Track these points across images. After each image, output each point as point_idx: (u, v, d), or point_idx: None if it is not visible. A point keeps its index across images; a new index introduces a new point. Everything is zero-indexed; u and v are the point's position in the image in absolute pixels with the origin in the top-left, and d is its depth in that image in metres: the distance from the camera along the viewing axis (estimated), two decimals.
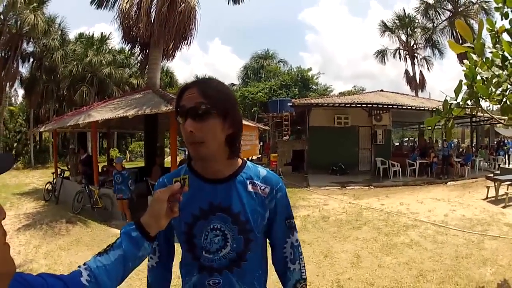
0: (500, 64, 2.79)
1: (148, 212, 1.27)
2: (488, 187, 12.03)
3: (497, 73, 2.78)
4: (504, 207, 10.56)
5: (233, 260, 1.56)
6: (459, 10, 30.05)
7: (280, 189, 1.64)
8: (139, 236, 1.23)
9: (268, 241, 1.72)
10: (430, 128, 21.53)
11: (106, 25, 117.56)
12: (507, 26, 2.80)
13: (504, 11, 2.80)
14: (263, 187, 1.60)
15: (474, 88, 2.84)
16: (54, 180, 13.95)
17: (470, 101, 3.03)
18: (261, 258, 1.69)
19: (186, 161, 1.71)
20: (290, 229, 1.69)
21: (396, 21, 35.85)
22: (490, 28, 2.85)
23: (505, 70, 2.78)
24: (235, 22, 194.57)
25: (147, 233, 1.24)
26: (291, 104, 19.57)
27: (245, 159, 1.73)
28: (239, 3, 18.01)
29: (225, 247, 1.55)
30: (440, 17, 32.86)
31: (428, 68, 36.59)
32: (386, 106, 17.85)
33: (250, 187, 1.59)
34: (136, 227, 1.24)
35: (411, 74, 36.36)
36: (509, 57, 2.74)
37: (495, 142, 27.32)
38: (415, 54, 36.33)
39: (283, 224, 1.67)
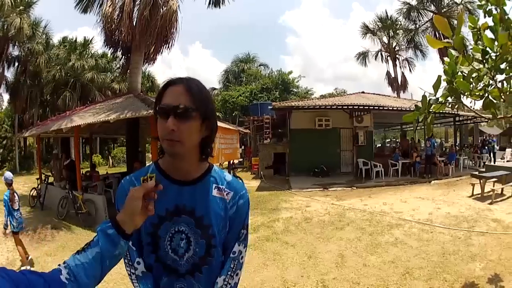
0: (481, 59, 2.80)
1: (123, 210, 1.27)
2: (473, 185, 12.12)
3: (477, 67, 2.79)
4: (491, 203, 10.63)
5: (195, 264, 1.55)
6: (443, 11, 30.27)
7: (243, 196, 1.65)
8: (115, 234, 1.22)
9: None
10: (412, 128, 21.72)
11: (89, 29, 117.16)
12: (491, 24, 2.81)
13: (487, 9, 2.81)
14: (226, 192, 1.60)
15: (454, 84, 2.85)
16: (39, 186, 13.84)
17: (451, 97, 3.04)
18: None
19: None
20: (240, 240, 1.66)
21: (378, 23, 36.20)
22: (472, 26, 2.87)
23: (486, 64, 2.79)
24: (216, 26, 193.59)
25: (123, 231, 1.23)
26: (271, 107, 19.48)
27: (214, 164, 1.72)
28: (219, 6, 17.98)
29: (188, 250, 1.54)
30: (422, 18, 33.17)
31: (410, 69, 37.05)
32: (367, 107, 17.94)
33: (215, 192, 1.59)
34: (112, 224, 1.23)
35: (393, 75, 36.73)
36: (490, 51, 2.75)
37: (480, 141, 27.59)
38: (397, 56, 36.71)
39: (237, 232, 1.64)
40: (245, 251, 1.68)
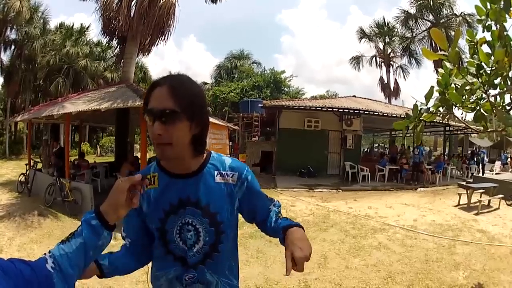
0: (475, 73, 2.81)
1: (107, 201, 1.29)
2: (460, 194, 12.20)
3: (471, 81, 2.81)
4: (476, 214, 10.70)
5: (206, 254, 1.58)
6: (441, 21, 30.38)
7: (248, 172, 1.68)
8: (98, 225, 1.24)
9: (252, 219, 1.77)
10: (401, 135, 21.82)
11: (85, 16, 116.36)
12: (489, 39, 2.81)
13: (486, 24, 2.80)
14: (231, 175, 1.63)
15: (447, 95, 2.87)
16: (27, 172, 13.70)
17: (442, 108, 3.06)
18: (233, 249, 1.74)
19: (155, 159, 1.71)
20: (270, 199, 1.76)
21: (375, 29, 36.45)
22: (470, 39, 2.87)
23: (480, 79, 2.81)
24: (212, 20, 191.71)
25: (106, 222, 1.25)
26: (262, 105, 19.50)
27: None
28: (216, 2, 17.97)
29: (198, 241, 1.57)
30: (420, 27, 33.28)
31: (404, 76, 37.23)
32: (357, 111, 18.09)
33: (218, 178, 1.60)
34: (95, 215, 1.25)
35: (386, 81, 36.94)
36: (485, 66, 2.76)
37: (469, 152, 27.73)
38: (391, 62, 36.89)
39: (262, 195, 1.73)
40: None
